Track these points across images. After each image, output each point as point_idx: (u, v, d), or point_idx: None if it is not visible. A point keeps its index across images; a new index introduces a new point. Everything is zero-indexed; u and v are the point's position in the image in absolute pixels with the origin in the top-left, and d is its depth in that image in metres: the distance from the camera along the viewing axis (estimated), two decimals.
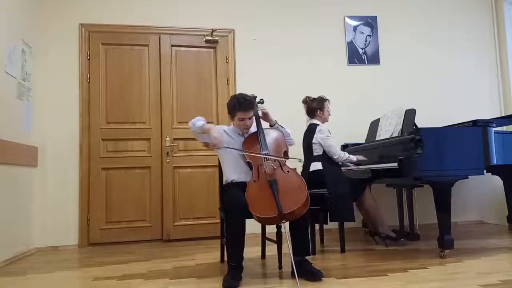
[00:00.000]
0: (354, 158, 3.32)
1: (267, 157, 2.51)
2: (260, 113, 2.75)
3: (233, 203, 2.37)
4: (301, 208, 2.31)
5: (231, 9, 4.34)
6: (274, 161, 2.51)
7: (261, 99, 2.81)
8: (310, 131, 3.34)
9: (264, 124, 2.79)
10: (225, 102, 4.12)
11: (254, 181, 2.47)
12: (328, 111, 3.44)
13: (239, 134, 2.72)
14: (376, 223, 3.31)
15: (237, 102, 2.59)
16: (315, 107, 3.39)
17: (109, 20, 4.08)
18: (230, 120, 2.74)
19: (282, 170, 2.51)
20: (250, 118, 2.64)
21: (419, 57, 4.60)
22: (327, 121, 3.45)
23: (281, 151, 2.64)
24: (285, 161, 2.60)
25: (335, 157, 3.26)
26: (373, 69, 4.52)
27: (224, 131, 2.73)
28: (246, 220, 2.38)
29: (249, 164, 2.57)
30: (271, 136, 2.69)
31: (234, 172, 2.65)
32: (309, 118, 3.45)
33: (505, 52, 4.66)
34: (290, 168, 2.55)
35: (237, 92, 4.14)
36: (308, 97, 3.43)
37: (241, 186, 2.51)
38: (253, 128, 2.72)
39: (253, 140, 2.64)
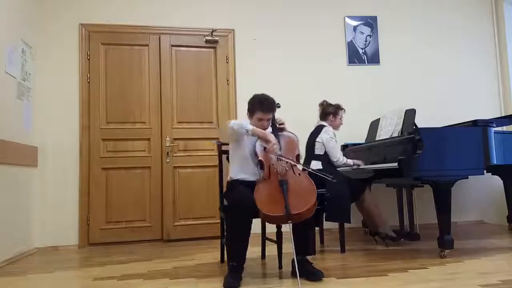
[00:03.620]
0: (350, 162, 3.36)
1: (282, 158, 2.50)
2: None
3: (241, 202, 2.36)
4: (309, 210, 2.31)
5: (231, 9, 4.34)
6: (286, 162, 2.52)
7: (277, 103, 2.80)
8: (317, 130, 3.39)
9: None
10: (225, 102, 4.20)
11: (265, 179, 2.48)
12: (341, 119, 3.50)
13: None
14: (376, 223, 3.31)
15: (259, 102, 2.60)
16: (329, 111, 3.46)
17: (109, 20, 4.08)
18: (248, 117, 2.73)
19: (294, 172, 2.51)
20: (268, 120, 2.63)
21: (419, 57, 4.60)
22: (336, 129, 3.49)
23: (294, 154, 2.64)
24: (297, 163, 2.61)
25: (334, 159, 3.30)
26: (373, 69, 4.52)
27: None
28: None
29: (260, 162, 2.57)
30: (285, 138, 2.70)
31: (242, 170, 2.64)
32: (319, 120, 3.48)
33: (505, 52, 4.66)
34: (302, 171, 2.56)
35: (237, 92, 4.18)
36: (326, 101, 3.51)
37: (247, 185, 2.50)
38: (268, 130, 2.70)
39: None
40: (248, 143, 2.65)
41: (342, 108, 3.52)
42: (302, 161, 3.15)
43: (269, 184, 2.43)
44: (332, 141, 3.30)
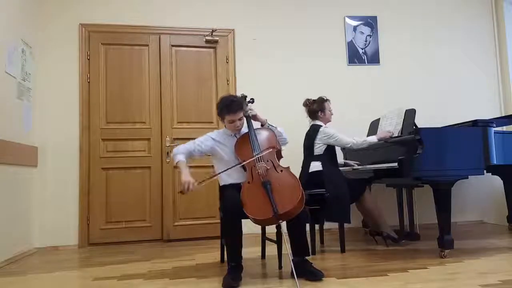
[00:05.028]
0: (373, 138, 3.24)
1: (261, 154, 2.51)
2: (250, 113, 2.74)
3: (230, 203, 2.38)
4: (297, 207, 2.31)
5: (231, 9, 4.34)
6: (267, 161, 2.51)
7: (251, 99, 2.80)
8: (313, 131, 3.31)
9: (256, 124, 2.78)
10: None
11: (248, 182, 2.47)
12: (329, 111, 3.41)
13: (231, 135, 2.72)
14: (377, 223, 3.30)
15: (225, 105, 2.60)
16: (315, 109, 3.36)
17: (109, 20, 4.08)
18: (221, 122, 2.75)
19: (276, 169, 2.51)
20: (240, 119, 2.63)
21: (419, 57, 4.60)
22: (329, 121, 3.43)
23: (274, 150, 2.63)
24: (279, 160, 2.61)
25: (347, 145, 3.23)
26: (373, 69, 4.52)
27: (212, 139, 2.72)
28: (246, 220, 2.38)
29: (243, 166, 2.57)
30: (262, 135, 2.68)
31: (230, 177, 2.64)
32: (311, 120, 3.43)
33: (505, 52, 4.66)
34: (284, 167, 2.55)
35: (236, 92, 4.17)
36: (308, 99, 3.40)
37: (237, 187, 2.51)
38: (245, 128, 2.72)
39: (245, 140, 2.63)
40: (226, 150, 2.67)
41: (327, 100, 3.40)
42: (297, 161, 3.14)
43: (253, 187, 2.42)
44: (333, 137, 3.21)
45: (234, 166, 2.56)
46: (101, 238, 3.89)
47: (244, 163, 2.52)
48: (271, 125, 2.78)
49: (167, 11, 4.20)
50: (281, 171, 2.51)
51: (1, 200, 3.11)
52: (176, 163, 2.63)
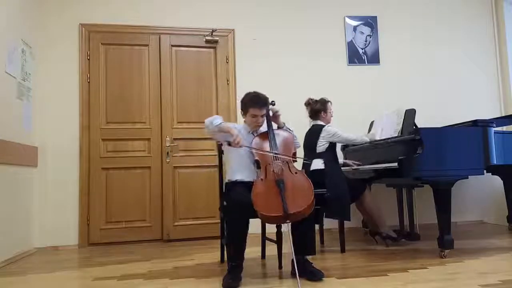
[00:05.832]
0: (366, 138, 3.38)
1: (278, 155, 2.53)
2: (271, 113, 2.76)
3: (237, 202, 2.37)
4: (306, 209, 2.32)
5: (231, 9, 4.34)
6: (283, 161, 2.52)
7: (272, 101, 2.81)
8: (314, 131, 3.31)
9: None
10: (225, 102, 4.20)
11: (262, 179, 2.48)
12: (330, 112, 3.43)
13: (249, 132, 2.74)
14: (377, 223, 3.31)
15: (251, 98, 2.64)
16: (319, 108, 3.37)
17: (109, 20, 4.08)
18: (242, 116, 2.78)
19: (290, 170, 2.52)
20: (262, 116, 2.66)
21: (419, 57, 4.60)
22: (329, 122, 3.44)
23: (290, 152, 2.65)
24: (294, 162, 2.62)
25: (352, 140, 3.32)
26: (373, 69, 4.52)
27: (235, 127, 2.72)
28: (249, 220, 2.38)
29: (257, 162, 2.58)
30: (281, 136, 2.71)
31: (240, 171, 2.65)
32: (311, 120, 3.44)
33: (505, 52, 4.66)
34: (298, 169, 2.57)
35: (237, 92, 4.18)
36: (311, 98, 3.42)
37: (246, 185, 2.51)
38: (263, 128, 2.74)
39: (264, 138, 2.66)
40: (244, 143, 2.64)
41: (329, 101, 3.42)
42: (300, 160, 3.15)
43: (266, 184, 2.43)
44: (336, 134, 3.23)
45: (258, 151, 2.56)
46: (101, 238, 3.89)
47: (265, 152, 2.54)
48: (289, 129, 2.80)
49: (167, 11, 4.20)
50: (296, 173, 2.52)
51: (1, 200, 3.11)
52: (218, 125, 2.56)
